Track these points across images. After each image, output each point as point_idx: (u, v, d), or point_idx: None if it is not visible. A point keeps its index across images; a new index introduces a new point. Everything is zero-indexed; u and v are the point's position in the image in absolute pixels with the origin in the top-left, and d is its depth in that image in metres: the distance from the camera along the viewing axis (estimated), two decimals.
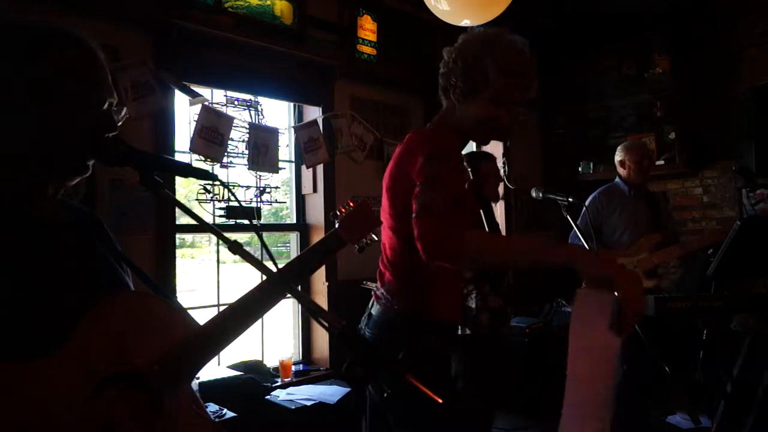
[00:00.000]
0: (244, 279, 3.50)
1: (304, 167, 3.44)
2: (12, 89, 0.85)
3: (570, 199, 2.39)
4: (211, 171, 1.05)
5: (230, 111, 3.08)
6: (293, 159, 3.57)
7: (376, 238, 1.34)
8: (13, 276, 0.78)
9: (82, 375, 0.75)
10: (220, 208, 2.97)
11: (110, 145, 0.93)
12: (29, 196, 0.87)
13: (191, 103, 2.77)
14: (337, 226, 1.22)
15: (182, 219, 2.90)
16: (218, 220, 3.02)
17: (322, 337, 3.40)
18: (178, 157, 2.83)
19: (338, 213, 1.25)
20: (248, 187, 3.36)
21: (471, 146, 4.16)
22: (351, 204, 1.25)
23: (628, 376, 3.17)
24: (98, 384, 0.76)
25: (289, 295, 1.03)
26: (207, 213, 2.96)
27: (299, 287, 1.06)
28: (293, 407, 2.68)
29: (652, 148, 4.59)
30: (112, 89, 0.92)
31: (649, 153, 3.32)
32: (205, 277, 5.95)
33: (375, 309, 1.64)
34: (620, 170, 3.33)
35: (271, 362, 3.22)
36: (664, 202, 3.44)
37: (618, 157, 3.35)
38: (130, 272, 1.02)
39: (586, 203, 3.29)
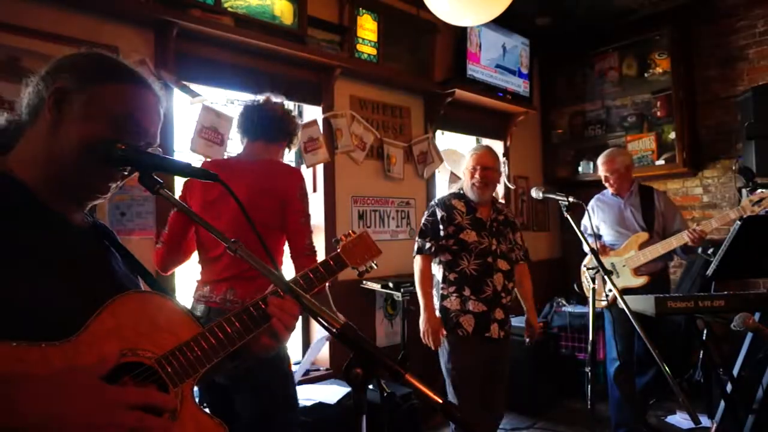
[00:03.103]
0: None
1: (304, 167, 3.44)
2: (72, 101, 0.95)
3: (570, 199, 2.40)
4: (211, 171, 1.04)
5: (230, 111, 3.08)
6: (293, 159, 3.57)
7: (375, 267, 1.47)
8: (57, 269, 0.88)
9: (94, 362, 0.78)
10: None
11: (110, 146, 0.94)
12: (68, 207, 0.98)
13: (191, 103, 2.77)
14: (339, 250, 1.36)
15: None
16: None
17: None
18: (178, 157, 2.82)
19: (340, 239, 1.38)
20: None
21: (472, 144, 4.10)
22: (352, 233, 1.38)
23: (628, 376, 3.19)
24: (109, 370, 0.79)
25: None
26: None
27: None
28: None
29: (653, 148, 4.60)
30: (155, 136, 1.02)
31: (608, 170, 3.31)
32: None
33: None
34: None
35: None
36: (664, 199, 3.42)
37: None
38: (140, 277, 1.09)
39: (588, 207, 3.31)
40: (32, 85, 1.02)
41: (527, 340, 2.85)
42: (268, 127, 2.11)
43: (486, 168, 2.66)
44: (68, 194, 0.96)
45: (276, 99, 2.19)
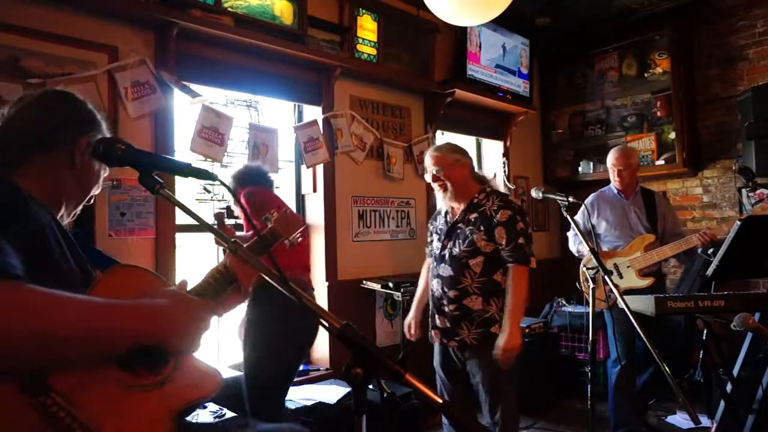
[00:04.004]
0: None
1: (304, 167, 3.44)
2: (72, 151, 1.15)
3: (570, 199, 2.39)
4: (211, 171, 1.05)
5: (230, 111, 3.08)
6: (293, 159, 3.57)
7: (300, 238, 1.67)
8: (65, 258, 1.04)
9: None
10: (220, 208, 2.97)
11: (110, 146, 0.94)
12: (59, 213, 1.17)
13: (191, 103, 2.77)
14: (270, 225, 1.53)
15: (182, 219, 2.90)
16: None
17: (322, 337, 3.39)
18: (178, 157, 2.82)
19: (271, 215, 1.56)
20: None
21: (472, 144, 4.07)
22: (276, 212, 1.56)
23: (629, 376, 3.19)
24: None
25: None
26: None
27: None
28: (293, 407, 2.68)
29: (653, 148, 4.60)
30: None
31: (622, 164, 3.28)
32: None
33: None
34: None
35: None
36: (664, 201, 3.44)
37: None
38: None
39: (586, 203, 3.32)
40: (35, 111, 1.15)
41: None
42: None
43: (434, 172, 2.42)
44: (66, 211, 1.19)
45: None
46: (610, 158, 3.35)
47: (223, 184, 1.05)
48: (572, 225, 2.38)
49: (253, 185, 2.48)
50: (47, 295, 0.82)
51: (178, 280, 1.18)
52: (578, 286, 3.36)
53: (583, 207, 2.97)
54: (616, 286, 2.08)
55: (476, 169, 2.57)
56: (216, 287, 1.21)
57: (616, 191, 3.37)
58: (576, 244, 3.43)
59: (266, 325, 2.40)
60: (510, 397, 2.42)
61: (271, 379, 2.41)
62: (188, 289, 1.17)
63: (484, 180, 2.53)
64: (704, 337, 2.80)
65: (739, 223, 2.40)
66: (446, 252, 2.43)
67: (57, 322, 0.81)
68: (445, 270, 2.42)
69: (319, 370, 3.35)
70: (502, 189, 4.90)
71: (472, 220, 2.38)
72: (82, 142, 1.14)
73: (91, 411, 0.87)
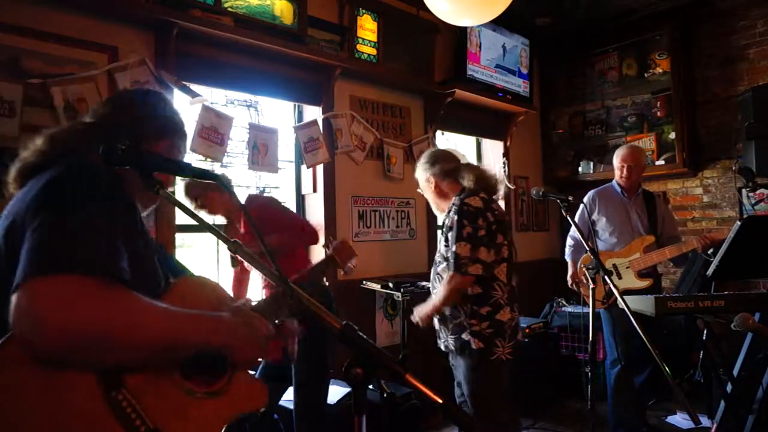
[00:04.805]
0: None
1: (304, 167, 3.44)
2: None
3: (570, 199, 2.39)
4: (211, 171, 1.06)
5: (230, 111, 3.08)
6: (293, 159, 3.57)
7: (354, 268, 1.86)
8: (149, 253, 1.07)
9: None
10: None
11: (110, 146, 0.94)
12: None
13: (191, 103, 2.77)
14: (330, 252, 1.72)
15: (182, 219, 2.90)
16: (219, 220, 3.02)
17: None
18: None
19: (331, 242, 1.78)
20: (248, 187, 3.37)
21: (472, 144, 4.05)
22: (336, 240, 1.81)
23: (627, 376, 3.19)
24: None
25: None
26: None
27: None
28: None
29: (653, 148, 4.60)
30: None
31: (632, 160, 3.28)
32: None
33: None
34: (615, 173, 3.39)
35: None
36: (663, 204, 3.44)
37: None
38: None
39: (584, 200, 3.32)
40: (118, 112, 1.16)
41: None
42: None
43: (418, 190, 2.54)
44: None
45: None
46: (620, 154, 3.33)
47: (223, 184, 1.05)
48: (572, 229, 2.38)
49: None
50: (145, 304, 0.89)
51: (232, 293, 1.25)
52: (574, 287, 3.36)
53: (581, 206, 2.96)
54: (615, 286, 2.08)
55: (462, 170, 2.42)
56: (276, 309, 1.31)
57: (619, 189, 3.35)
58: (570, 254, 3.43)
59: (322, 346, 2.42)
60: (497, 415, 2.28)
61: (324, 395, 2.50)
62: (252, 305, 1.24)
63: (465, 180, 2.38)
64: (704, 337, 2.80)
65: (739, 223, 2.40)
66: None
67: (150, 331, 0.88)
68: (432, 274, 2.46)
69: None
70: (502, 189, 4.89)
71: (445, 226, 2.37)
72: (162, 145, 1.16)
73: (156, 411, 0.90)
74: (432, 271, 2.45)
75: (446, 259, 2.26)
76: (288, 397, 2.61)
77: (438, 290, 2.29)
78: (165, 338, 0.90)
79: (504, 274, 2.29)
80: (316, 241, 2.63)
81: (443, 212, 2.43)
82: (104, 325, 0.81)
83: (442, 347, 2.38)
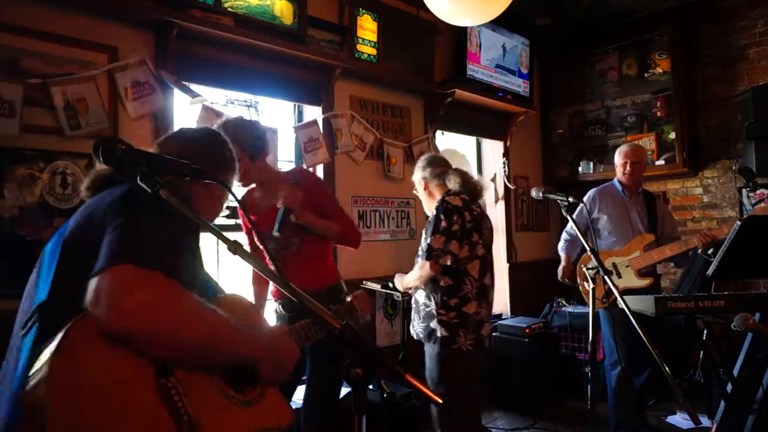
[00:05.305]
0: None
1: (304, 167, 3.44)
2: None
3: (570, 199, 2.39)
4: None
5: (230, 111, 3.08)
6: (293, 159, 3.57)
7: (368, 318, 1.97)
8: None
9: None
10: (224, 208, 2.96)
11: (110, 146, 0.95)
12: None
13: (191, 103, 2.77)
14: (351, 300, 1.88)
15: None
16: (218, 220, 3.02)
17: None
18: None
19: (354, 292, 1.93)
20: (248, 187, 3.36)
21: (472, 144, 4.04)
22: (359, 291, 1.98)
23: (628, 377, 3.19)
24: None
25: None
26: None
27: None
28: (293, 407, 2.68)
29: (652, 148, 4.60)
30: None
31: (635, 156, 3.30)
32: None
33: None
34: (616, 170, 3.39)
35: None
36: (663, 204, 3.45)
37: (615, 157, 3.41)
38: None
39: (584, 200, 3.32)
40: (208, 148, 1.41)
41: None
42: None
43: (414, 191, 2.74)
44: None
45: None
46: (623, 151, 3.35)
47: (223, 184, 1.05)
48: (569, 225, 2.38)
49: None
50: (195, 301, 1.00)
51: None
52: (565, 281, 3.36)
53: (581, 205, 2.96)
54: (615, 286, 2.07)
55: (450, 173, 2.57)
56: (306, 335, 1.46)
57: (620, 188, 3.36)
58: (564, 248, 3.43)
59: (343, 346, 2.42)
60: (455, 401, 2.31)
61: (337, 396, 2.48)
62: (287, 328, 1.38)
63: (451, 183, 2.54)
64: (704, 337, 2.80)
65: (739, 223, 2.40)
66: None
67: (195, 325, 0.97)
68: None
69: None
70: (502, 189, 4.90)
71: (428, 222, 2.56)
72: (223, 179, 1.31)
73: (198, 406, 0.97)
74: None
75: (422, 249, 2.44)
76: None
77: (412, 273, 2.50)
78: (205, 338, 0.97)
79: (476, 271, 2.42)
80: (358, 244, 2.51)
81: (432, 212, 2.57)
82: (158, 305, 0.92)
83: (414, 335, 2.53)
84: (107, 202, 1.03)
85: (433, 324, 2.39)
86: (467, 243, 2.38)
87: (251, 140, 2.17)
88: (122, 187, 1.09)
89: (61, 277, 1.00)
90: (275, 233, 2.15)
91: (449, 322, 2.35)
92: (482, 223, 2.47)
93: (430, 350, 2.42)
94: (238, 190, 2.36)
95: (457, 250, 2.35)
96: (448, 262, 2.34)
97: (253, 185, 2.35)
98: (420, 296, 2.49)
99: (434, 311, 2.40)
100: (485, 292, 2.46)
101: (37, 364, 0.85)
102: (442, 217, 2.37)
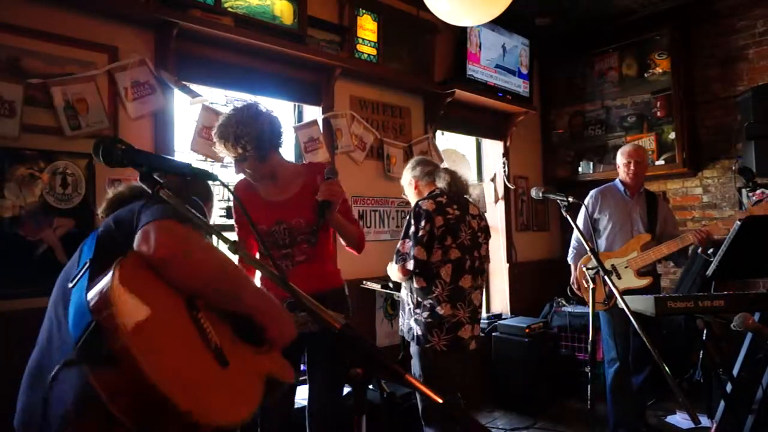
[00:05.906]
0: None
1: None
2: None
3: (570, 199, 2.39)
4: (211, 171, 1.07)
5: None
6: (293, 159, 3.57)
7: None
8: None
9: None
10: (220, 208, 2.97)
11: (110, 146, 0.95)
12: None
13: (191, 103, 2.77)
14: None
15: None
16: (218, 220, 3.02)
17: None
18: (178, 157, 2.82)
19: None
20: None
21: (471, 144, 4.06)
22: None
23: (626, 376, 3.19)
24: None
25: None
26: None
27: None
28: (295, 407, 2.67)
29: (653, 148, 4.60)
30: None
31: (638, 156, 3.31)
32: None
33: None
34: (618, 171, 3.40)
35: None
36: (664, 204, 3.45)
37: (617, 157, 3.42)
38: None
39: (585, 201, 3.32)
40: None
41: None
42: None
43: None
44: None
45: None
46: (626, 151, 3.36)
47: (222, 184, 1.06)
48: (575, 234, 2.38)
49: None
50: (217, 250, 1.16)
51: None
52: (569, 293, 3.37)
53: (583, 207, 2.96)
54: (615, 287, 2.08)
55: (439, 172, 2.69)
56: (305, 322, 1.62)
57: (622, 188, 3.37)
58: (573, 258, 3.43)
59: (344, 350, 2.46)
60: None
61: (341, 396, 2.46)
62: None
63: (440, 181, 2.64)
64: (704, 337, 2.80)
65: (739, 223, 2.40)
66: None
67: (227, 269, 1.14)
68: None
69: None
70: (502, 189, 4.90)
71: None
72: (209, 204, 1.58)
73: (218, 336, 1.08)
74: None
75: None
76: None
77: (391, 271, 2.62)
78: (220, 271, 1.11)
79: (448, 274, 2.48)
80: (362, 250, 2.45)
81: None
82: (187, 241, 1.08)
83: (400, 332, 2.68)
84: (136, 209, 1.16)
85: (411, 323, 2.53)
86: (439, 247, 2.45)
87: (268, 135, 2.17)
88: (141, 201, 1.20)
89: (102, 251, 1.13)
90: (316, 227, 2.12)
91: (424, 321, 2.48)
92: (459, 226, 2.51)
93: (412, 348, 2.56)
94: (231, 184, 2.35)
95: (423, 254, 2.44)
96: (411, 267, 2.45)
97: (242, 177, 2.24)
98: (404, 295, 2.62)
99: (412, 311, 2.53)
100: (461, 295, 2.49)
101: (96, 288, 0.96)
102: (412, 222, 2.48)
